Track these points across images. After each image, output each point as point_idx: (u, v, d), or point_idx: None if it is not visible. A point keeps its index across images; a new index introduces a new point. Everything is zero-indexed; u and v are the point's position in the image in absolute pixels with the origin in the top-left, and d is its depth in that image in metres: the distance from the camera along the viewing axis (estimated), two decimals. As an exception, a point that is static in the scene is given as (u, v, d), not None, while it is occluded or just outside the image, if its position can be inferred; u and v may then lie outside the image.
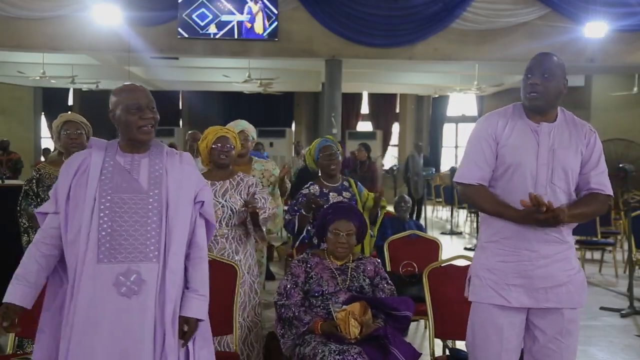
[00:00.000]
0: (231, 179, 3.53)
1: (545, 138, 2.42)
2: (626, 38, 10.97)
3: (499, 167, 2.45)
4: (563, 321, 2.41)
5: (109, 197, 2.23)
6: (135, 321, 2.16)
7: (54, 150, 12.14)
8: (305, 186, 3.95)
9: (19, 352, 3.08)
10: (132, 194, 2.26)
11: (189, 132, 5.76)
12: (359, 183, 4.09)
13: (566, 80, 2.48)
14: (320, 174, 4.02)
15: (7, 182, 5.00)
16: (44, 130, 17.81)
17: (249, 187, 3.54)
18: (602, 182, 2.45)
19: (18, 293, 2.21)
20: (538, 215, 2.26)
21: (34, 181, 3.61)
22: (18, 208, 3.61)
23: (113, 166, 2.29)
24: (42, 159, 13.92)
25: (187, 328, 2.24)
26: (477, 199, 2.48)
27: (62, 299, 2.28)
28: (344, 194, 3.90)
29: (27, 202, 3.58)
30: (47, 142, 17.40)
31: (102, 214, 2.21)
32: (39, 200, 3.55)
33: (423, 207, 11.40)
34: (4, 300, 2.19)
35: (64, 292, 2.27)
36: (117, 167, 2.29)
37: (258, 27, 10.73)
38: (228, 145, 3.51)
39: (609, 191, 2.46)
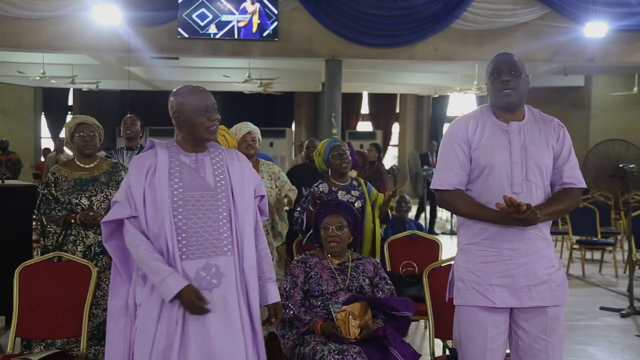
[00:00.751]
0: None
1: (516, 136, 2.44)
2: (626, 38, 10.97)
3: (473, 169, 2.46)
4: (547, 319, 2.41)
5: (181, 196, 2.32)
6: (219, 312, 2.26)
7: (53, 150, 12.14)
8: (315, 184, 3.99)
9: (25, 352, 3.09)
10: (202, 192, 2.36)
11: None
12: (368, 182, 4.13)
13: (528, 77, 2.52)
14: (330, 174, 4.06)
15: (7, 182, 4.99)
16: (44, 130, 17.80)
17: None
18: (574, 176, 2.48)
19: (180, 278, 2.23)
20: (518, 215, 2.27)
21: (52, 185, 3.56)
22: (35, 212, 3.58)
23: (180, 165, 2.38)
24: (42, 159, 13.93)
25: (277, 313, 2.47)
26: (455, 204, 2.49)
27: (125, 299, 2.38)
28: (353, 192, 3.95)
29: (49, 206, 3.51)
30: (47, 142, 17.42)
31: (175, 212, 2.30)
32: (59, 203, 3.52)
33: (425, 207, 11.39)
34: (178, 290, 2.20)
35: (126, 292, 2.37)
36: (183, 166, 2.38)
37: (258, 27, 10.73)
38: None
39: (582, 184, 2.48)
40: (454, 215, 12.41)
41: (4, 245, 4.15)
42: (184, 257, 2.28)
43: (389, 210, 4.10)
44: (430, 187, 2.59)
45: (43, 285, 3.04)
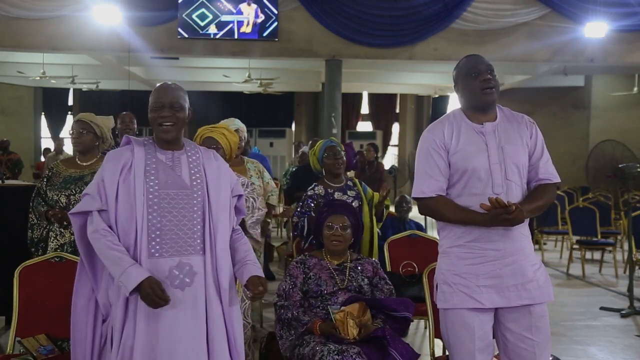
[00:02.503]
0: None
1: (492, 137, 2.45)
2: (626, 38, 10.98)
3: (453, 174, 2.46)
4: (531, 318, 2.42)
5: (156, 194, 2.31)
6: (189, 311, 2.27)
7: (53, 150, 12.13)
8: (310, 187, 3.98)
9: (25, 353, 3.08)
10: (178, 190, 2.34)
11: None
12: (363, 182, 4.12)
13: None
14: (324, 174, 4.04)
15: (7, 182, 4.99)
16: (44, 130, 17.81)
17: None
18: (549, 172, 2.51)
19: (142, 270, 2.21)
20: (507, 216, 2.28)
21: (45, 180, 3.57)
22: (30, 204, 3.58)
23: (156, 163, 2.36)
24: (42, 159, 13.92)
25: (261, 286, 2.35)
26: (440, 210, 2.48)
27: (89, 297, 2.38)
28: (349, 192, 3.94)
29: (38, 200, 3.53)
30: (47, 142, 17.41)
31: (150, 210, 2.28)
32: (47, 199, 3.51)
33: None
34: (140, 281, 2.16)
35: (90, 289, 2.38)
36: (160, 163, 2.36)
37: (258, 28, 10.73)
38: (214, 146, 3.47)
39: (557, 179, 2.51)
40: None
41: (4, 245, 4.15)
42: (157, 255, 2.26)
43: (384, 209, 4.10)
44: (412, 195, 2.57)
45: (43, 285, 3.04)
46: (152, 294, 2.16)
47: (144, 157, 2.35)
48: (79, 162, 3.62)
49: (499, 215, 2.29)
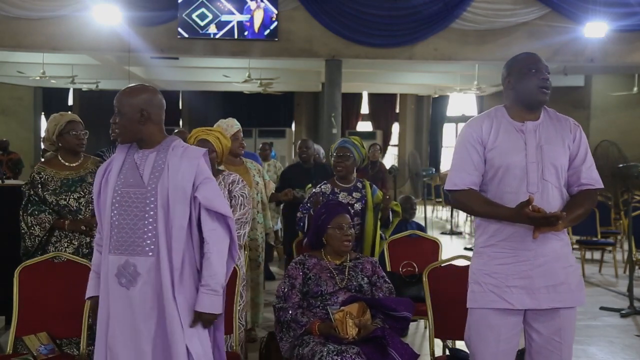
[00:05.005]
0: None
1: (532, 136, 2.42)
2: (626, 38, 10.97)
3: (488, 170, 2.45)
4: (561, 321, 2.41)
5: (119, 191, 2.36)
6: (134, 311, 2.30)
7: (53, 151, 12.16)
8: (319, 185, 3.98)
9: (25, 353, 3.09)
10: (135, 189, 2.36)
11: (175, 130, 5.72)
12: (373, 185, 4.07)
13: None
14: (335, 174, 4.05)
15: (7, 182, 4.98)
16: (44, 130, 17.79)
17: (229, 185, 3.50)
18: (592, 177, 2.46)
19: (92, 286, 2.51)
20: (528, 212, 2.25)
21: (39, 186, 3.46)
22: (21, 212, 3.48)
23: (129, 163, 2.41)
24: (42, 159, 13.92)
25: (199, 323, 2.32)
26: (468, 202, 2.47)
27: None
28: (354, 194, 3.92)
29: (38, 208, 3.43)
30: (47, 142, 17.41)
31: (113, 207, 2.35)
32: (47, 204, 3.44)
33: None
34: (86, 297, 2.52)
35: None
36: (131, 163, 2.40)
37: (258, 27, 10.73)
38: (206, 149, 3.44)
39: (600, 184, 2.47)
40: (454, 216, 12.42)
41: (4, 245, 4.15)
42: (112, 252, 2.35)
43: (392, 214, 4.04)
44: (444, 187, 2.57)
45: (43, 285, 3.04)
46: (90, 310, 2.52)
47: (124, 157, 2.43)
48: (66, 163, 3.53)
49: (522, 209, 2.25)
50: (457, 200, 2.51)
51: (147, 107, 2.39)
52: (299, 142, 6.39)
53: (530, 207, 2.25)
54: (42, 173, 3.50)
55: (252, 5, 10.69)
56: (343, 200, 3.82)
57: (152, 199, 2.33)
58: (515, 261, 2.39)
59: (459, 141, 2.53)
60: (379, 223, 3.92)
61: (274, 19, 10.70)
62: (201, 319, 2.32)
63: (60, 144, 3.53)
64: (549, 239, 2.39)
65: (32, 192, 3.48)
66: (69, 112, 3.68)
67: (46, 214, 3.41)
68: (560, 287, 2.39)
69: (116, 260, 2.33)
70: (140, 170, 2.37)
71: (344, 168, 3.93)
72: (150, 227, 2.32)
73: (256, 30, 10.73)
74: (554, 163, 2.40)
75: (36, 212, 3.42)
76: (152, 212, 2.32)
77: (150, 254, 2.31)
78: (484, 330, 2.43)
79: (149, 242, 2.31)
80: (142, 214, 2.32)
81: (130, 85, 2.49)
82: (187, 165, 2.36)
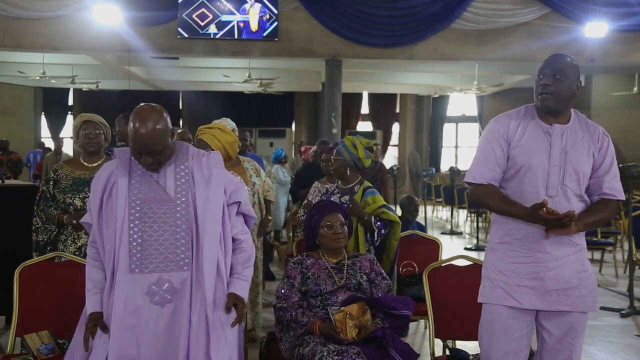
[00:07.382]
0: None
1: (558, 139, 2.41)
2: (626, 38, 10.98)
3: (510, 168, 2.44)
4: (572, 323, 2.42)
5: (138, 208, 2.27)
6: (170, 329, 2.22)
7: (52, 151, 12.12)
8: (324, 184, 3.98)
9: (25, 353, 3.09)
10: (160, 204, 2.28)
11: (178, 131, 5.73)
12: (368, 189, 3.89)
13: (580, 82, 2.46)
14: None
15: (7, 182, 4.99)
16: (44, 130, 17.81)
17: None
18: (615, 188, 2.45)
19: (97, 302, 2.32)
20: (542, 213, 2.25)
21: (52, 182, 3.51)
22: (35, 207, 3.54)
23: (140, 176, 2.31)
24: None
25: (235, 307, 2.30)
26: (485, 197, 2.48)
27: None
28: (344, 197, 3.90)
29: (47, 203, 3.49)
30: (47, 142, 17.39)
31: (132, 225, 2.25)
32: (55, 201, 3.49)
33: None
34: (89, 311, 2.32)
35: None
36: (144, 176, 2.31)
37: (258, 27, 10.73)
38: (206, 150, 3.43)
39: (621, 196, 2.46)
40: (454, 216, 12.37)
41: (4, 245, 4.15)
42: (137, 270, 2.24)
43: (385, 239, 3.84)
44: (464, 179, 2.59)
45: (43, 285, 3.04)
46: (88, 324, 2.28)
47: (129, 170, 2.31)
48: (85, 163, 3.56)
49: (537, 210, 2.25)
50: (474, 193, 2.52)
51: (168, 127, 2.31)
52: (318, 142, 6.39)
53: (544, 209, 2.26)
54: (59, 171, 3.56)
55: (252, 5, 10.70)
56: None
57: (184, 212, 2.28)
58: (528, 261, 2.40)
59: (484, 135, 2.53)
60: (360, 228, 3.74)
61: (273, 19, 10.70)
62: (237, 300, 2.31)
63: (78, 144, 3.61)
64: (564, 243, 2.39)
65: (44, 188, 3.55)
66: (91, 114, 3.66)
67: (52, 209, 3.47)
68: (571, 292, 2.40)
69: (145, 278, 2.23)
70: (161, 184, 2.30)
71: (334, 170, 3.92)
72: (182, 240, 2.27)
73: (256, 30, 10.73)
74: (576, 169, 2.39)
75: (45, 208, 3.49)
76: (183, 226, 2.27)
77: (185, 268, 2.26)
78: (497, 329, 2.44)
79: (182, 256, 2.26)
80: (172, 228, 2.26)
81: (144, 123, 2.22)
82: (215, 175, 2.37)
